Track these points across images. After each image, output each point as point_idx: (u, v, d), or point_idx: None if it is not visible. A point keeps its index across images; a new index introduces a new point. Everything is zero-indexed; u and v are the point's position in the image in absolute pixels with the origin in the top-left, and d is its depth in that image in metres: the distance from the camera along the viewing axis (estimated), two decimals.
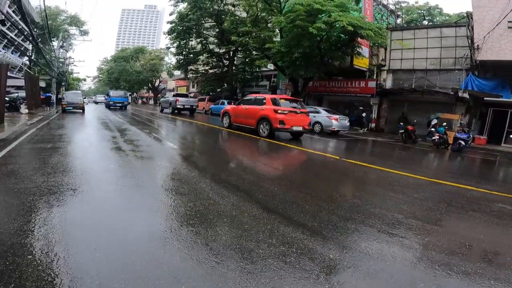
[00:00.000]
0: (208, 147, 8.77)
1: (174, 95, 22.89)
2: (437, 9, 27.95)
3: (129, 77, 47.89)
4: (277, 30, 19.23)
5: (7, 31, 23.97)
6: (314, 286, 1.97)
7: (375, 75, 19.18)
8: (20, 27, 23.04)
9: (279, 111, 9.91)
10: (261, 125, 10.30)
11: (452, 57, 15.89)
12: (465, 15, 15.58)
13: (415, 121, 13.80)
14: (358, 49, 15.96)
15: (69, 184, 3.84)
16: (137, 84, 50.53)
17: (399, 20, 24.08)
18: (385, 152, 10.37)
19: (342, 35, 14.88)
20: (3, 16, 16.52)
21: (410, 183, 5.31)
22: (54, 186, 3.68)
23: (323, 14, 14.00)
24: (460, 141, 10.92)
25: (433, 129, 12.27)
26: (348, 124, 15.52)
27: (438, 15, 27.81)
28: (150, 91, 54.80)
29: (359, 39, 15.04)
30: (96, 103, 44.80)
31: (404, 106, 17.39)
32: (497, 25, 11.87)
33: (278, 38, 19.24)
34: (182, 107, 21.17)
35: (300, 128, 10.35)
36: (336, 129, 14.24)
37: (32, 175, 4.14)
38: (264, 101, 10.68)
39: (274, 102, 10.45)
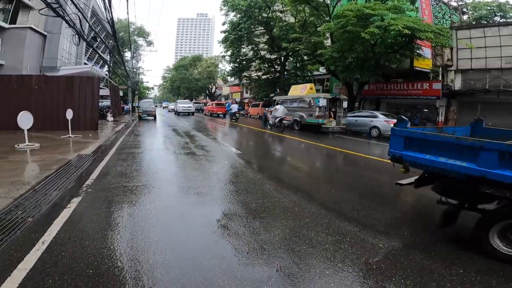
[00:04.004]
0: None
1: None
2: (508, 5, 24.69)
3: (189, 85, 52.29)
4: (327, 34, 19.08)
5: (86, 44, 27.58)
6: (364, 266, 2.50)
7: (440, 76, 17.94)
8: (99, 39, 26.86)
9: (210, 106, 31.60)
10: (209, 112, 30.32)
11: None
12: None
13: (489, 124, 12.76)
14: (418, 51, 15.19)
15: (162, 181, 5.01)
16: (195, 91, 54.91)
17: (465, 17, 21.97)
18: None
19: (399, 38, 14.34)
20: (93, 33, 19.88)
21: None
22: (155, 184, 4.88)
23: (375, 17, 13.68)
24: None
25: None
26: None
27: (511, 11, 24.53)
28: (208, 97, 58.73)
29: (418, 40, 14.33)
30: (178, 113, 30.51)
31: (477, 108, 16.02)
32: None
33: (328, 41, 19.16)
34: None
35: (220, 113, 28.56)
36: None
37: (137, 175, 5.39)
38: (208, 104, 34.94)
39: (211, 104, 32.08)
